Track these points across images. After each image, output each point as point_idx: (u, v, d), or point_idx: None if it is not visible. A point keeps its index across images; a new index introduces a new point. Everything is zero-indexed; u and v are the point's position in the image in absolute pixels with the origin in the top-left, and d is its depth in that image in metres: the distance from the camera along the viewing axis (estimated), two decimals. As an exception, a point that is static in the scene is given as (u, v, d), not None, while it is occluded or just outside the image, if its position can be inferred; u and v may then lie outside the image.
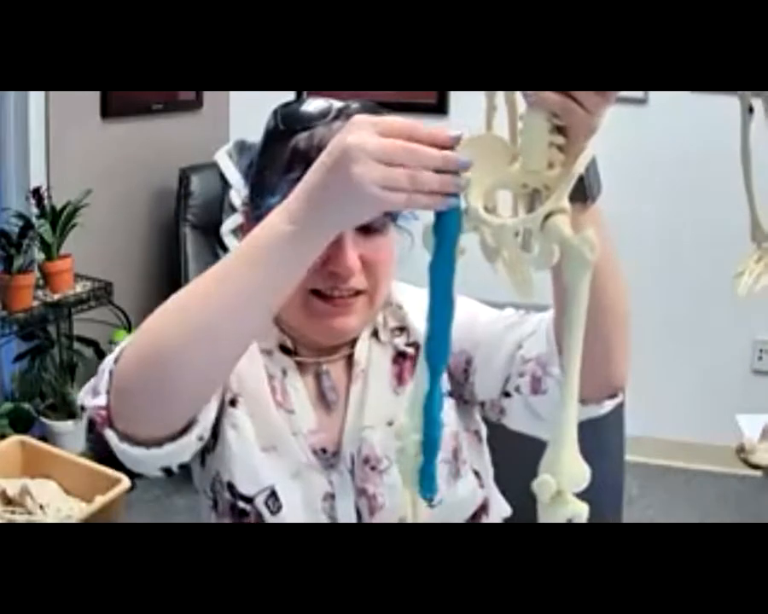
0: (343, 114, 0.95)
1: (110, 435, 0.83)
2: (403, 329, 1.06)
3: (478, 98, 0.76)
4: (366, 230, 0.95)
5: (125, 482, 1.33)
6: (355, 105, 0.96)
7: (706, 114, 2.73)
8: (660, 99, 2.80)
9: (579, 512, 0.65)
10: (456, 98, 3.03)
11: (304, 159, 0.92)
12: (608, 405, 0.93)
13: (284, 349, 1.03)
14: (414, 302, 1.06)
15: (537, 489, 0.64)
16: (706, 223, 2.93)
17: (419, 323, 0.79)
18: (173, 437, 0.85)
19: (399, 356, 1.05)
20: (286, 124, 0.96)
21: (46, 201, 2.37)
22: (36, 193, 2.37)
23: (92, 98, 2.69)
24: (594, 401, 0.91)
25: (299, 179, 0.92)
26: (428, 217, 0.71)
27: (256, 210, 0.99)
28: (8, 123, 2.51)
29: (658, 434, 3.03)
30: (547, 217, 0.64)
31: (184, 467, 0.93)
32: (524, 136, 0.66)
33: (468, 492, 1.02)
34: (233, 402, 0.99)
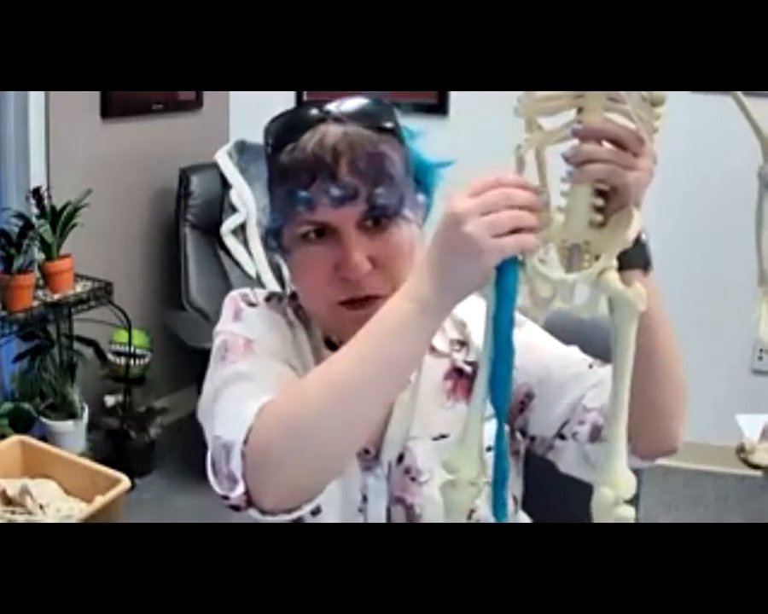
0: (329, 117, 0.92)
1: (254, 513, 0.83)
2: (464, 344, 1.04)
3: (478, 98, 0.76)
4: (370, 229, 0.92)
5: (125, 482, 1.33)
6: (342, 104, 0.93)
7: (706, 114, 2.73)
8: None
9: (630, 515, 0.72)
10: (456, 98, 3.04)
11: (291, 173, 0.91)
12: (660, 459, 0.95)
13: (330, 344, 1.01)
14: (475, 316, 0.99)
15: (597, 501, 0.72)
16: (706, 223, 2.93)
17: (480, 339, 0.80)
18: (311, 498, 0.84)
19: (455, 372, 1.03)
20: (274, 139, 0.95)
21: (46, 201, 2.37)
22: (36, 193, 2.37)
23: (92, 98, 2.69)
24: (649, 458, 0.94)
25: (289, 193, 0.91)
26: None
27: (267, 232, 0.98)
28: (8, 123, 2.51)
29: (658, 434, 3.02)
30: (600, 272, 0.72)
31: (188, 465, 0.91)
32: (569, 200, 0.73)
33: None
34: None
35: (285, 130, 0.94)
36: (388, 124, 0.94)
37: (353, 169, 0.90)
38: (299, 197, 0.91)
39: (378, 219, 0.92)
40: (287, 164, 0.92)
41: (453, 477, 0.78)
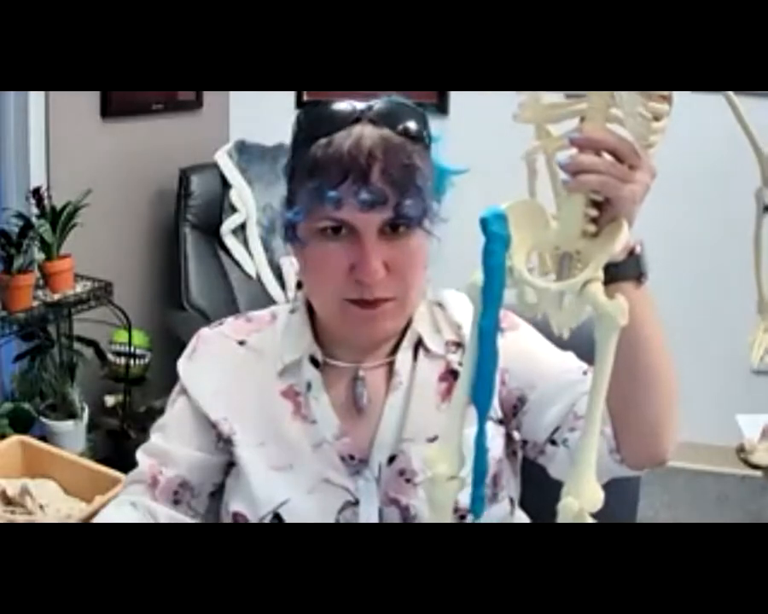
0: (365, 117, 0.93)
1: None
2: (459, 345, 1.04)
3: (478, 98, 0.76)
4: (390, 235, 0.93)
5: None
6: (378, 105, 0.94)
7: (705, 114, 2.73)
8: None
9: None
10: (456, 98, 3.03)
11: (322, 168, 0.91)
12: (648, 469, 0.95)
13: (313, 360, 1.02)
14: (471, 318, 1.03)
15: (561, 510, 0.70)
16: (705, 223, 2.93)
17: None
18: None
19: (450, 373, 1.03)
20: (307, 130, 0.94)
21: (46, 201, 2.37)
22: (36, 193, 2.37)
23: (92, 98, 2.69)
24: (636, 468, 0.93)
25: (317, 189, 0.90)
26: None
27: (283, 220, 0.98)
28: (8, 123, 2.51)
29: (658, 434, 3.01)
30: (584, 283, 0.71)
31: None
32: (563, 207, 0.72)
33: (501, 517, 1.02)
34: (231, 452, 1.02)
35: (319, 123, 0.93)
36: (421, 133, 0.95)
37: (386, 176, 0.90)
38: (327, 195, 0.90)
39: (398, 227, 0.93)
40: (319, 158, 0.91)
41: (432, 473, 0.78)
